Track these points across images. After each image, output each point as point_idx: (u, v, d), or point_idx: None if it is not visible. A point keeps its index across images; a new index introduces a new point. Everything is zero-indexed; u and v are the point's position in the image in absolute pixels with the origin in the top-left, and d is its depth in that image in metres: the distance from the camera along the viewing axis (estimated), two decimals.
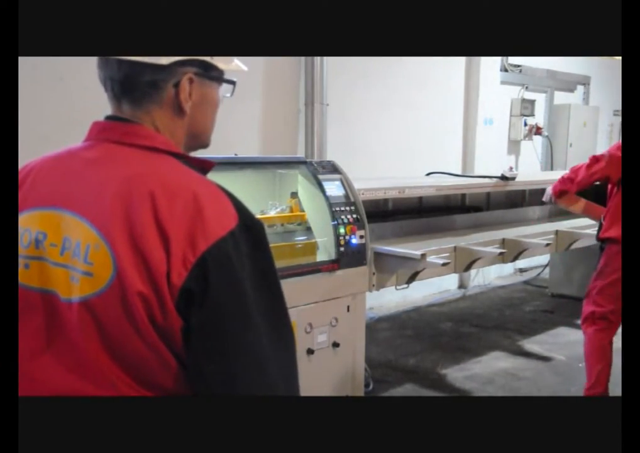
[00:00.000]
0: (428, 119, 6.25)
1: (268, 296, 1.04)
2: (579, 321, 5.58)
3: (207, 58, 1.20)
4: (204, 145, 1.28)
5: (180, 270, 0.96)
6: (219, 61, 1.21)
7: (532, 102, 7.25)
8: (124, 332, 1.01)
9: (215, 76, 1.21)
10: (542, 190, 5.78)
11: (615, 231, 3.47)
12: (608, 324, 3.66)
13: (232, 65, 1.24)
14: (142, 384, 1.10)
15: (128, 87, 1.14)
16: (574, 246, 4.94)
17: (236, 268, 0.98)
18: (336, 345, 3.25)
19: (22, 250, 1.08)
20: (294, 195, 3.53)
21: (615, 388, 4.03)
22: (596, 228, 3.88)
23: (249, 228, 1.01)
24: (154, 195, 0.99)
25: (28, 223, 1.09)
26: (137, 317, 0.99)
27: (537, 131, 7.33)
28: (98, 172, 1.07)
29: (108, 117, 1.17)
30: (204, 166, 1.21)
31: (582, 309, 3.94)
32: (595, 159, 3.73)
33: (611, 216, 3.57)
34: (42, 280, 1.06)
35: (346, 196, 3.45)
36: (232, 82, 1.24)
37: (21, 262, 1.08)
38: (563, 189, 3.81)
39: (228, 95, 1.25)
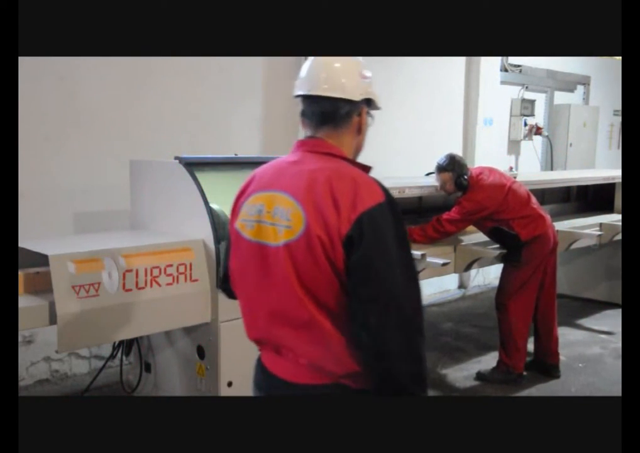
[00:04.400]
0: (428, 119, 6.25)
1: (405, 253, 1.55)
2: (579, 321, 5.60)
3: (372, 97, 1.72)
4: (359, 155, 1.78)
5: (345, 224, 1.50)
6: (377, 101, 1.74)
7: (532, 102, 7.25)
8: (308, 262, 1.54)
9: (372, 110, 1.75)
10: (542, 191, 5.81)
11: (533, 232, 4.12)
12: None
13: (379, 107, 1.76)
14: (317, 305, 1.55)
15: (333, 116, 1.67)
16: (574, 246, 4.94)
17: (381, 226, 1.51)
18: None
19: (249, 217, 1.68)
20: None
21: (616, 388, 4.04)
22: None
23: (391, 204, 1.55)
24: (331, 179, 1.55)
25: (255, 201, 1.68)
26: (316, 252, 1.53)
27: (537, 131, 7.31)
28: (296, 168, 1.64)
29: (308, 136, 1.72)
30: (363, 168, 1.69)
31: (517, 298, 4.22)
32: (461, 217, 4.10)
33: (519, 224, 4.11)
34: (260, 235, 1.65)
35: None
36: (372, 116, 1.77)
37: (249, 224, 1.68)
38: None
39: (371, 123, 1.78)
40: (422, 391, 1.55)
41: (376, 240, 1.49)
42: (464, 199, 4.10)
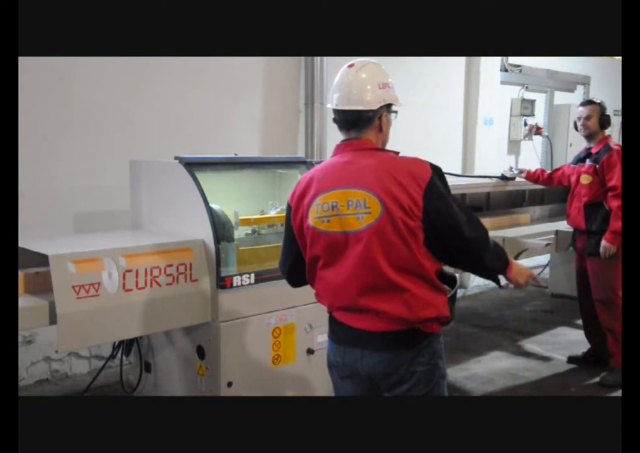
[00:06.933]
0: (428, 119, 6.24)
1: (456, 202, 2.03)
2: (579, 321, 5.59)
3: (391, 102, 2.10)
4: (385, 146, 2.16)
5: (418, 198, 1.93)
6: (396, 104, 2.13)
7: (532, 102, 7.23)
8: (390, 235, 1.93)
9: (393, 111, 2.15)
10: (542, 191, 5.81)
11: None
12: None
13: (399, 104, 2.15)
14: (396, 271, 1.95)
15: (356, 122, 2.06)
16: None
17: (440, 189, 1.97)
18: None
19: (323, 213, 2.01)
20: None
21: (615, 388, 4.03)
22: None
23: (437, 172, 2.01)
24: (388, 168, 1.98)
25: (325, 199, 2.02)
26: (398, 226, 1.92)
27: (537, 131, 7.31)
28: (355, 166, 2.02)
29: (344, 140, 2.10)
30: (396, 153, 2.09)
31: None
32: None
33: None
34: (338, 225, 1.99)
35: None
36: (396, 112, 2.17)
37: (324, 219, 2.01)
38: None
39: (394, 118, 2.18)
40: (505, 260, 2.11)
41: (442, 203, 1.96)
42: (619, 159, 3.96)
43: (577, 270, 4.46)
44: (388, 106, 2.11)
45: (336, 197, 2.01)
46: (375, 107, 2.05)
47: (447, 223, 1.97)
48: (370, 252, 1.95)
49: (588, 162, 4.18)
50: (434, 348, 2.04)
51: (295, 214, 2.11)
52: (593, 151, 4.16)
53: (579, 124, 4.22)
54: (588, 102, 4.24)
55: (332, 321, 2.13)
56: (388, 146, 2.16)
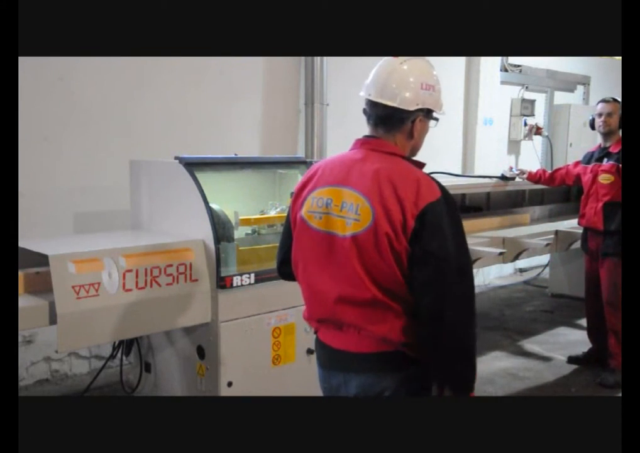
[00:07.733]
0: None
1: (459, 234, 1.78)
2: (579, 321, 5.60)
3: (430, 107, 1.86)
4: (415, 155, 1.95)
5: (410, 221, 1.72)
6: (438, 111, 1.90)
7: (532, 102, 7.24)
8: (373, 253, 1.75)
9: (432, 117, 1.91)
10: (542, 190, 5.81)
11: None
12: None
13: (441, 112, 1.92)
14: (379, 288, 1.77)
15: (386, 120, 1.86)
16: (574, 246, 4.94)
17: (440, 217, 1.73)
18: None
19: (317, 209, 1.87)
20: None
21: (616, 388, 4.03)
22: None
23: (447, 199, 1.77)
24: (393, 178, 1.77)
25: (322, 194, 1.87)
26: (382, 245, 1.74)
27: (537, 131, 7.31)
28: (362, 166, 1.83)
29: (367, 136, 1.91)
30: (418, 164, 1.89)
31: None
32: None
33: None
34: (328, 226, 1.84)
35: None
36: (437, 119, 1.93)
37: (317, 215, 1.87)
38: None
39: (434, 126, 1.95)
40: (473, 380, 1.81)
41: (435, 227, 1.73)
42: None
43: (587, 271, 4.41)
44: (427, 111, 1.87)
45: (332, 194, 1.84)
46: (411, 108, 1.82)
47: (431, 251, 1.71)
48: (354, 263, 1.78)
49: (606, 161, 4.07)
50: (423, 378, 1.85)
51: (295, 202, 1.96)
52: (613, 150, 4.05)
53: (599, 120, 4.11)
54: (611, 99, 4.13)
55: (317, 343, 1.98)
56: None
